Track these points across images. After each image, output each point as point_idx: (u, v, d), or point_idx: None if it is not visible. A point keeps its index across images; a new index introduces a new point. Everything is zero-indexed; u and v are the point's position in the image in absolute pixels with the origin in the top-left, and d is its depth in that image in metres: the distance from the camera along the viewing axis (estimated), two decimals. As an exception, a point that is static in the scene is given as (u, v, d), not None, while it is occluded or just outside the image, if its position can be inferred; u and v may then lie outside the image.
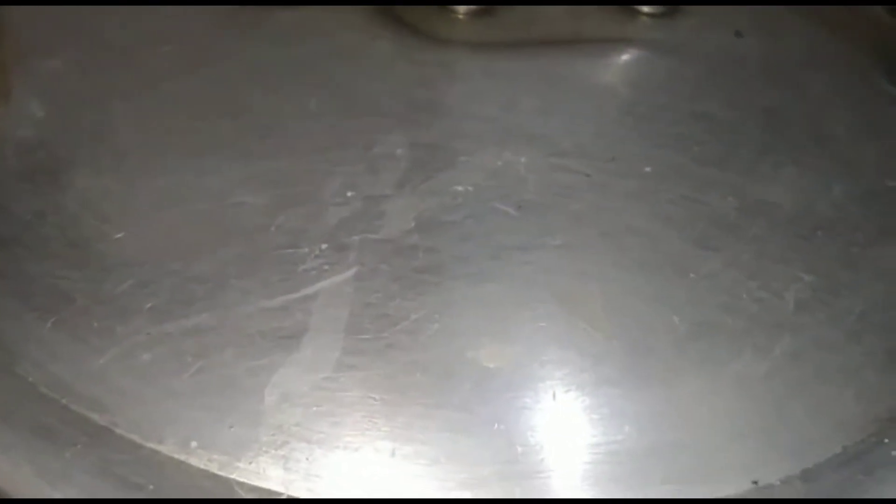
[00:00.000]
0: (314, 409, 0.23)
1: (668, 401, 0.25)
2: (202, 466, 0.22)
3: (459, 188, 0.28)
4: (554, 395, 0.24)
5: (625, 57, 0.34)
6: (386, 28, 0.33)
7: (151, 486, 0.22)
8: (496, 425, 0.23)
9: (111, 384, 0.24)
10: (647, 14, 0.36)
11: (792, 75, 0.35)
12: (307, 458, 0.22)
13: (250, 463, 0.22)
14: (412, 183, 0.28)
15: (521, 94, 0.31)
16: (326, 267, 0.26)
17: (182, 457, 0.22)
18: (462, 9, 0.35)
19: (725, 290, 0.27)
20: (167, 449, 0.22)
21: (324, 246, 0.26)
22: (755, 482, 0.23)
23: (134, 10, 0.32)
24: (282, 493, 0.22)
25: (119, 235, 0.26)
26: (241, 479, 0.22)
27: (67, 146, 0.28)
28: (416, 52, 0.32)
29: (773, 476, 0.23)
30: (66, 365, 0.24)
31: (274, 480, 0.22)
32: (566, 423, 0.24)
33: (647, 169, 0.29)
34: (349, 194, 0.27)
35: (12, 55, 0.31)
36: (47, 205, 0.27)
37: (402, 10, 0.34)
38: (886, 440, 0.24)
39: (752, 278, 0.27)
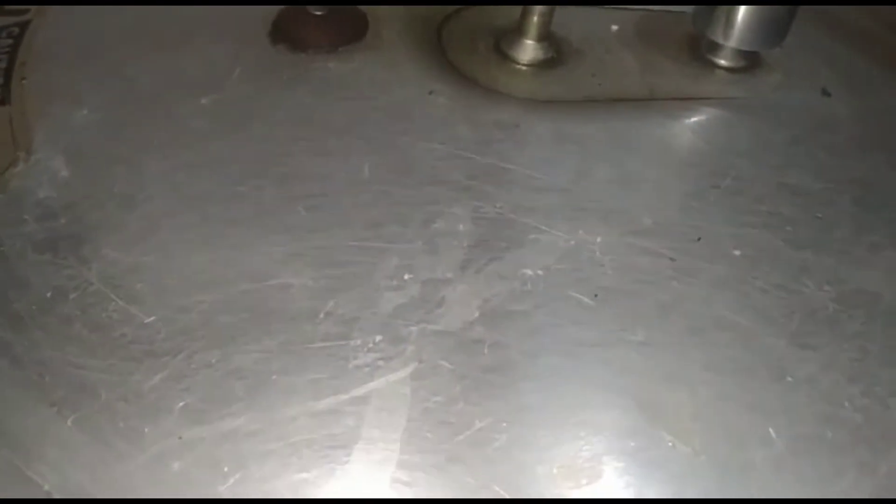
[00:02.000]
0: (365, 535, 0.20)
1: (767, 530, 0.22)
2: None
3: (529, 272, 0.25)
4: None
5: (705, 118, 0.31)
6: (443, 82, 0.30)
7: None
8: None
9: (137, 495, 0.21)
10: (725, 69, 0.33)
11: (884, 139, 0.32)
12: None
13: None
14: (476, 264, 0.25)
15: (594, 160, 0.28)
16: (381, 363, 0.23)
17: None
18: (525, 59, 0.32)
19: (825, 397, 0.24)
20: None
21: (378, 338, 0.23)
22: None
23: (170, 56, 0.29)
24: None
25: (149, 320, 0.23)
26: None
27: (94, 211, 0.25)
28: (476, 110, 0.29)
29: None
30: (87, 470, 0.21)
31: None
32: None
33: (737, 252, 0.26)
34: (406, 277, 0.24)
35: (35, 103, 0.28)
36: (69, 280, 0.24)
37: (460, 61, 0.31)
38: None
39: (853, 382, 0.24)
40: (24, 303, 0.24)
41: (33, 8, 0.32)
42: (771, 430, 0.23)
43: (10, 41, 0.31)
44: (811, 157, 0.30)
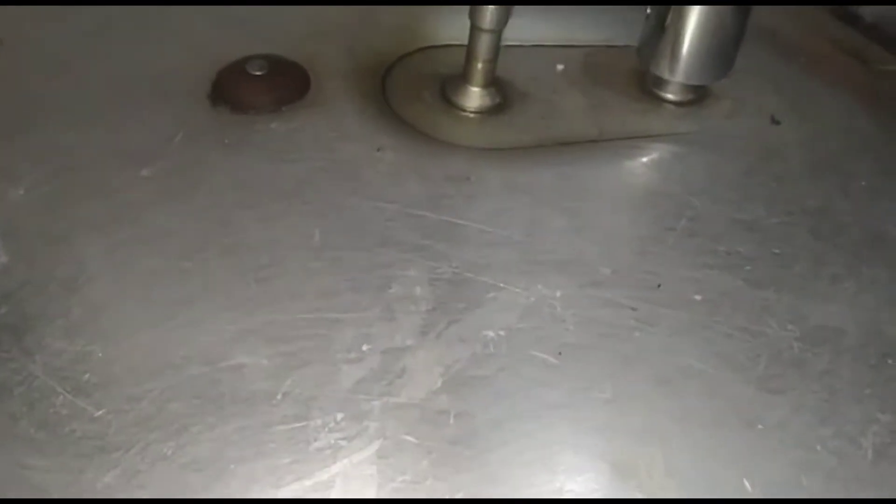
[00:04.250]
0: None
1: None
2: None
3: (490, 333, 0.24)
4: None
5: (656, 156, 0.30)
6: (390, 135, 0.29)
7: None
8: None
9: None
10: (673, 102, 0.33)
11: (835, 164, 0.32)
12: None
13: None
14: (435, 329, 0.24)
15: (546, 210, 0.27)
16: (343, 443, 0.22)
17: None
18: (471, 107, 0.31)
19: (798, 442, 0.24)
20: None
21: (339, 416, 0.22)
22: None
23: (107, 123, 0.29)
24: None
25: (99, 413, 0.22)
26: None
27: (35, 298, 0.24)
28: (426, 164, 0.28)
29: None
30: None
31: None
32: None
33: (698, 297, 0.26)
34: (364, 348, 0.24)
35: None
36: (13, 374, 0.23)
37: (406, 111, 0.31)
38: None
39: (824, 424, 0.24)
40: (-36, 402, 0.23)
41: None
42: (745, 481, 0.23)
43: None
44: (765, 187, 0.30)
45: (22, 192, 0.27)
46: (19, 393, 0.23)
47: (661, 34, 0.31)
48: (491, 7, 0.29)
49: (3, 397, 0.23)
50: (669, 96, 0.33)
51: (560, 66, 0.34)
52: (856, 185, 0.31)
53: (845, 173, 0.31)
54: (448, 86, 0.32)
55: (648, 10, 0.32)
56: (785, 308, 0.26)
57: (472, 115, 0.31)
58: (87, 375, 0.23)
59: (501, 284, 0.25)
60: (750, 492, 0.23)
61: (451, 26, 0.34)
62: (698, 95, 0.33)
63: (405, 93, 0.31)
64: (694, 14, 0.30)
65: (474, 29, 0.30)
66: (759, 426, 0.24)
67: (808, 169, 0.31)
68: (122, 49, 0.32)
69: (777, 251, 0.28)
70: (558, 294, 0.25)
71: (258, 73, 0.29)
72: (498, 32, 0.30)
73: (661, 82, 0.33)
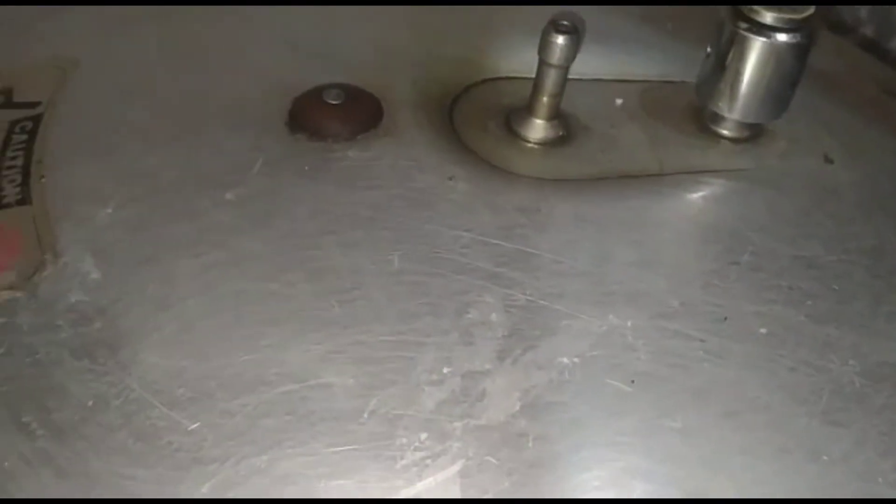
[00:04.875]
0: None
1: None
2: None
3: (565, 360, 0.25)
4: None
5: (715, 191, 0.31)
6: (460, 165, 0.30)
7: None
8: None
9: None
10: (730, 139, 0.34)
11: (887, 205, 0.33)
12: None
13: None
14: (512, 355, 0.25)
15: (614, 242, 0.28)
16: (428, 461, 0.23)
17: None
18: (535, 138, 0.32)
19: (860, 475, 0.25)
20: None
21: (423, 435, 0.23)
22: None
23: (188, 149, 0.30)
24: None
25: (194, 426, 0.23)
26: None
27: (128, 315, 0.25)
28: (496, 194, 0.29)
29: None
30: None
31: None
32: None
33: (763, 330, 0.27)
34: (445, 371, 0.25)
35: (57, 203, 0.28)
36: (110, 387, 0.24)
37: (473, 142, 0.32)
38: None
39: (884, 457, 0.25)
40: (65, 412, 0.24)
41: (44, 101, 0.32)
42: (812, 511, 0.23)
43: (23, 137, 0.31)
44: (821, 226, 0.31)
45: (110, 211, 0.28)
46: (116, 406, 0.24)
47: (721, 73, 0.32)
48: (560, 43, 0.30)
49: (101, 409, 0.24)
50: (726, 133, 0.34)
51: (619, 101, 0.35)
52: (909, 226, 0.32)
53: (897, 214, 0.32)
54: (513, 117, 0.33)
55: (709, 49, 0.33)
56: (845, 344, 0.27)
57: (536, 147, 0.32)
58: (181, 390, 0.24)
59: (574, 313, 0.26)
60: (817, 522, 0.23)
61: (514, 59, 0.35)
62: (753, 133, 0.34)
63: (471, 123, 0.32)
64: (754, 54, 0.31)
65: (542, 64, 0.31)
66: (824, 458, 0.24)
67: (862, 209, 0.32)
68: (197, 76, 0.33)
69: (836, 288, 0.29)
70: (629, 324, 0.26)
71: (335, 101, 0.30)
72: (566, 68, 0.31)
73: (717, 119, 0.34)
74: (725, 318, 0.27)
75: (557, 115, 0.33)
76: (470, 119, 0.33)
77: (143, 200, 0.28)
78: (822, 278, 0.29)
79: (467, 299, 0.26)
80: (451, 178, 0.29)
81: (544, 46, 0.30)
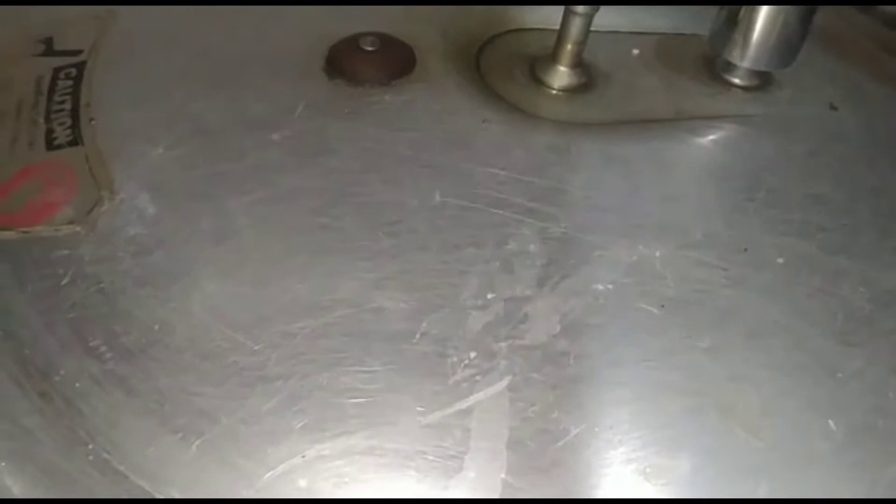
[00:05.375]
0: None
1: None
2: None
3: (599, 287, 0.27)
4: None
5: (730, 135, 0.33)
6: (491, 109, 0.32)
7: None
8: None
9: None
10: (741, 87, 0.36)
11: (890, 150, 0.35)
12: None
13: None
14: (550, 282, 0.27)
15: (640, 180, 0.30)
16: (478, 378, 0.25)
17: None
18: (559, 85, 0.34)
19: (873, 390, 0.26)
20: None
21: (472, 354, 0.25)
22: None
23: (231, 93, 0.31)
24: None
25: (258, 347, 0.25)
26: None
27: (186, 246, 0.27)
28: (528, 135, 0.31)
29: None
30: (218, 492, 0.23)
31: None
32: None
33: (780, 260, 0.29)
34: (489, 296, 0.26)
35: (108, 143, 0.29)
36: (174, 313, 0.25)
37: (500, 88, 0.33)
38: None
39: (894, 374, 0.27)
40: (132, 336, 0.25)
41: (86, 49, 0.33)
42: (830, 422, 0.25)
43: (69, 82, 0.32)
44: (828, 167, 0.33)
45: (161, 151, 0.29)
46: (181, 329, 0.25)
47: (734, 23, 0.34)
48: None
49: (167, 333, 0.25)
50: (737, 81, 0.36)
51: (636, 51, 0.37)
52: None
53: (897, 159, 0.34)
54: (537, 65, 0.34)
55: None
56: (856, 273, 0.29)
57: (560, 93, 0.34)
58: (242, 314, 0.25)
59: (606, 244, 0.28)
60: (834, 431, 0.25)
61: (536, 12, 0.36)
62: (763, 82, 0.36)
63: (497, 71, 0.34)
64: (763, 8, 0.33)
65: (568, 12, 0.32)
66: (839, 374, 0.26)
67: (866, 152, 0.34)
68: (235, 25, 0.34)
69: (844, 223, 0.31)
70: (657, 254, 0.28)
71: (370, 48, 0.32)
72: (590, 16, 0.32)
73: (729, 67, 0.36)
74: (745, 249, 0.29)
75: (580, 63, 0.34)
76: (496, 67, 0.34)
77: (192, 141, 0.29)
78: (831, 214, 0.31)
79: (506, 231, 0.28)
80: (484, 121, 0.31)
81: (570, -5, 0.32)
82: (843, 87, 0.37)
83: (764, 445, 0.25)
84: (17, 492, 0.23)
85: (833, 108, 0.36)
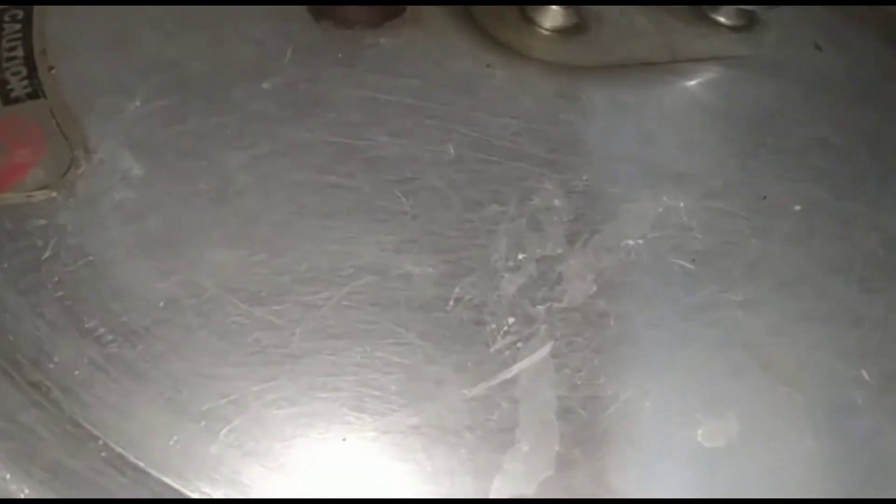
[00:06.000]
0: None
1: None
2: None
3: (630, 242, 0.26)
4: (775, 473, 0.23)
5: (729, 78, 0.32)
6: (489, 52, 0.30)
7: None
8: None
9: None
10: (729, 27, 0.35)
11: (875, 91, 0.34)
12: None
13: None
14: (581, 239, 0.25)
15: (651, 126, 0.29)
16: (520, 345, 0.23)
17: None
18: (551, 25, 0.32)
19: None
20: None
21: (510, 320, 0.23)
22: None
23: (211, 37, 0.28)
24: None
25: (280, 322, 0.22)
26: None
27: (184, 210, 0.24)
28: (534, 82, 0.29)
29: None
30: (252, 484, 0.21)
31: None
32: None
33: (797, 207, 0.28)
34: (520, 257, 0.25)
35: (75, 95, 0.26)
36: (180, 286, 0.23)
37: (494, 30, 0.31)
38: None
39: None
40: (134, 314, 0.22)
41: (30, -14, 0.29)
42: (863, 371, 0.25)
43: (16, 26, 0.28)
44: (824, 111, 0.32)
45: (139, 103, 0.26)
46: (191, 305, 0.23)
47: (723, -39, 0.33)
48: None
49: (175, 310, 0.23)
50: (723, 20, 0.35)
51: (621, -11, 0.35)
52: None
53: (886, 99, 0.34)
54: (528, 6, 0.32)
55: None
56: (866, 218, 0.29)
57: (553, 35, 0.32)
58: (258, 286, 0.23)
59: (630, 196, 0.26)
60: (868, 381, 0.25)
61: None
62: (749, 22, 0.35)
63: (488, 12, 0.32)
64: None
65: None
66: (865, 323, 0.26)
67: (857, 94, 0.34)
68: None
69: (848, 168, 0.30)
70: (681, 205, 0.27)
71: (359, -13, 0.29)
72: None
73: (717, 8, 0.35)
74: (764, 197, 0.28)
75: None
76: (486, 8, 0.32)
77: (174, 92, 0.26)
78: (835, 158, 0.30)
79: (528, 186, 0.26)
80: (488, 66, 0.29)
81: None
82: (824, 28, 0.36)
83: (805, 399, 0.24)
84: (23, 498, 0.20)
85: (818, 47, 0.35)
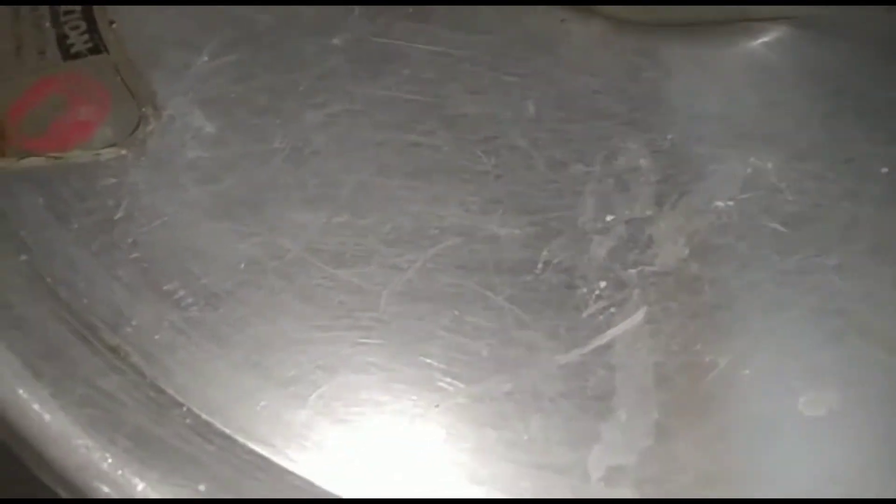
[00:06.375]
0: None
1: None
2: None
3: (720, 204, 0.25)
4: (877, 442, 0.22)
5: (802, 38, 0.31)
6: (562, 8, 0.29)
7: None
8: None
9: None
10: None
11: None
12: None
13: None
14: (669, 200, 0.24)
15: (733, 84, 0.28)
16: (613, 310, 0.22)
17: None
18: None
19: None
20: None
21: (602, 284, 0.23)
22: None
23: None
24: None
25: (366, 284, 0.22)
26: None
27: (261, 170, 0.23)
28: (610, 38, 0.28)
29: None
30: (341, 452, 0.20)
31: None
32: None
33: (884, 170, 0.27)
34: (608, 219, 0.24)
35: (139, 50, 0.25)
36: (261, 248, 0.22)
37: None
38: None
39: None
40: (214, 277, 0.22)
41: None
42: (962, 339, 0.24)
43: (73, -22, 0.27)
44: (878, 68, 0.31)
45: (206, 59, 0.25)
46: (273, 267, 0.22)
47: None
48: None
49: (256, 272, 0.22)
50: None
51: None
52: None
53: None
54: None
55: None
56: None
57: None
58: (341, 248, 0.22)
59: (718, 156, 0.25)
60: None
61: None
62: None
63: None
64: None
65: None
66: (962, 287, 0.25)
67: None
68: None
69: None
70: (770, 166, 0.26)
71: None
72: None
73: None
74: (849, 159, 0.27)
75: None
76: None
77: (241, 47, 0.25)
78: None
79: (612, 145, 0.25)
80: (563, 21, 0.28)
81: None
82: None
83: (904, 367, 0.23)
84: (107, 468, 0.19)
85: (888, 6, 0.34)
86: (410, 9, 0.27)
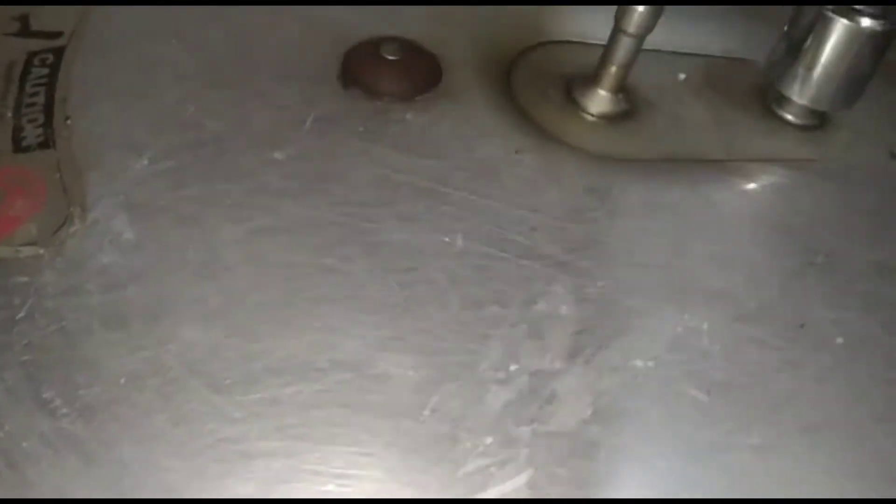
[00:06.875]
0: None
1: None
2: None
3: (639, 363, 0.23)
4: None
5: (785, 182, 0.30)
6: (522, 135, 0.28)
7: None
8: None
9: None
10: (795, 125, 0.32)
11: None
12: None
13: None
14: (584, 354, 0.23)
15: (688, 233, 0.27)
16: (493, 469, 0.21)
17: None
18: (598, 111, 0.30)
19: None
20: None
21: (488, 440, 0.22)
22: None
23: (233, 97, 0.27)
24: None
25: (239, 414, 0.21)
26: None
27: (167, 281, 0.23)
28: (564, 172, 0.27)
29: None
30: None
31: None
32: None
33: (840, 340, 0.25)
34: (512, 368, 0.23)
35: (85, 149, 0.26)
36: (145, 363, 0.22)
37: (534, 111, 0.30)
38: None
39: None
40: (93, 389, 0.21)
41: (67, 31, 0.29)
42: (893, 540, 0.22)
43: (44, 71, 0.28)
44: (892, 228, 0.29)
45: (146, 162, 0.25)
46: (152, 385, 0.22)
47: (797, 54, 0.30)
48: (641, 10, 0.28)
49: (135, 389, 0.21)
50: (791, 118, 0.32)
51: (682, 76, 0.33)
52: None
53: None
54: (575, 87, 0.31)
55: (785, 28, 0.31)
56: (923, 360, 0.26)
57: (598, 120, 0.30)
58: (225, 372, 0.22)
59: (649, 310, 0.24)
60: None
61: (571, 22, 0.33)
62: (819, 121, 0.32)
63: (531, 89, 0.30)
64: (837, 36, 0.29)
65: (618, 31, 0.29)
66: (904, 484, 0.23)
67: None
68: (240, 17, 0.30)
69: (910, 298, 0.27)
70: (705, 326, 0.24)
71: (392, 57, 0.28)
72: (642, 38, 0.29)
73: (784, 103, 0.32)
74: (802, 325, 0.25)
75: (623, 88, 0.30)
76: (529, 85, 0.31)
77: (183, 153, 0.26)
78: (893, 286, 0.27)
79: (535, 288, 0.24)
80: (517, 152, 0.27)
81: (622, 12, 0.28)
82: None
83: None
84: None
85: (894, 156, 0.32)
86: (362, 127, 0.27)
